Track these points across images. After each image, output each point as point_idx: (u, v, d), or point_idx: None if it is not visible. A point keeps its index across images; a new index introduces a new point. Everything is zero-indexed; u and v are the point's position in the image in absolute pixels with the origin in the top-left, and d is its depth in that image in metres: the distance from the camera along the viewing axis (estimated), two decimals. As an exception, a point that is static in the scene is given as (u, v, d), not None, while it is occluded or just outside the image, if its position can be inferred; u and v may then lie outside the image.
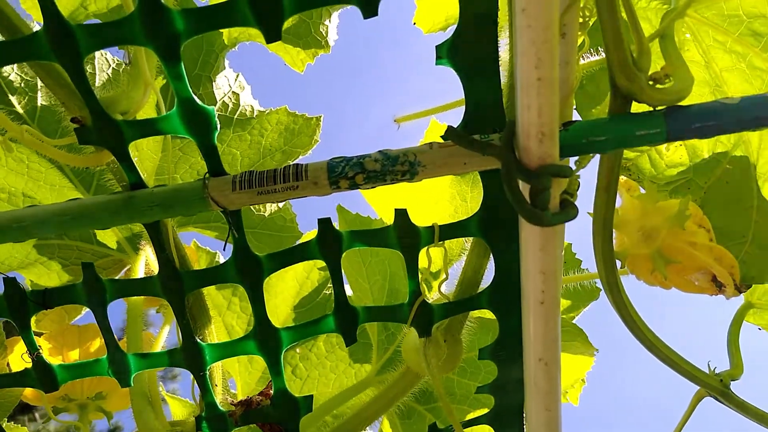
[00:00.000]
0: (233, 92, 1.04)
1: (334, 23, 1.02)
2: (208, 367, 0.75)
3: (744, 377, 0.95)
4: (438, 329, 0.77)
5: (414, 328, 0.74)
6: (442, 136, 0.65)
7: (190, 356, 0.74)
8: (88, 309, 0.74)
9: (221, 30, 1.00)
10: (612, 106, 0.60)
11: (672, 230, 0.72)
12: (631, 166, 0.83)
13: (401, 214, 0.70)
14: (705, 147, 0.82)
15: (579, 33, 0.64)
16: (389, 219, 1.16)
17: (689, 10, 0.72)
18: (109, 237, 1.04)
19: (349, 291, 1.22)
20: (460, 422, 0.81)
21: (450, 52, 0.63)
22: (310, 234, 1.19)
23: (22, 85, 0.95)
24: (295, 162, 0.64)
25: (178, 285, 0.70)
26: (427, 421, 1.12)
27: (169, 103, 0.78)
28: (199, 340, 0.73)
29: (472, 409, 1.11)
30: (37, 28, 0.96)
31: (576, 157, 0.65)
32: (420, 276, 0.74)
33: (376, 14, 0.61)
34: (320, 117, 1.05)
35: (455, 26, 0.62)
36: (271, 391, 0.77)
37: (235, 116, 1.03)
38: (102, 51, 1.04)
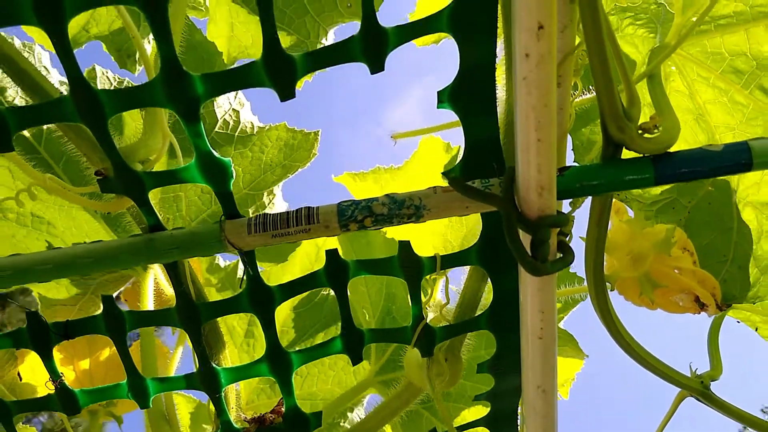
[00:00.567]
0: (233, 109, 1.07)
1: (331, 41, 1.04)
2: (223, 389, 0.79)
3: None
4: (440, 350, 0.82)
5: (417, 348, 0.79)
6: (444, 174, 0.69)
7: (207, 380, 0.78)
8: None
9: (221, 50, 1.02)
10: (604, 152, 0.64)
11: (659, 255, 0.77)
12: (619, 187, 0.87)
13: (405, 246, 0.74)
14: (689, 168, 0.87)
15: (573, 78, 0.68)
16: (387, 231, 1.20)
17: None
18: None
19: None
20: (459, 424, 0.87)
21: (451, 97, 0.67)
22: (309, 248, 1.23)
23: (48, 134, 0.97)
24: (306, 207, 0.67)
25: (194, 316, 0.74)
26: (424, 421, 1.18)
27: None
28: (214, 365, 0.78)
29: (468, 407, 1.17)
30: (53, 76, 0.98)
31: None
32: (423, 299, 0.78)
33: (382, 69, 0.64)
34: (318, 132, 1.08)
35: (456, 74, 0.66)
36: (283, 409, 0.82)
37: (236, 133, 1.06)
38: (104, 69, 1.06)
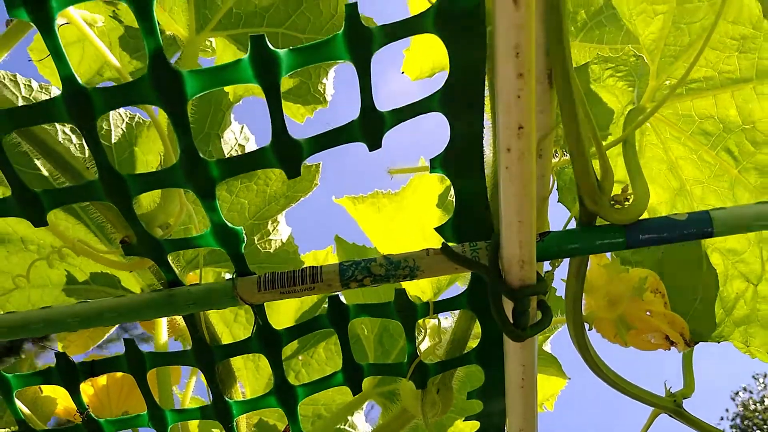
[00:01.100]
0: (239, 144, 1.13)
1: (331, 78, 1.10)
2: (235, 419, 0.87)
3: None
4: (433, 383, 0.89)
5: (412, 381, 0.87)
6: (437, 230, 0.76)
7: (220, 412, 0.86)
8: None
9: (226, 89, 1.08)
10: (581, 219, 0.71)
11: (632, 299, 0.84)
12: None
13: (400, 294, 0.81)
14: (664, 209, 0.94)
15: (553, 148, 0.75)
16: (381, 246, 1.27)
17: (649, 108, 0.82)
18: (133, 284, 1.14)
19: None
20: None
21: (442, 164, 0.73)
22: (312, 256, 1.30)
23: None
24: (310, 266, 0.74)
25: (209, 358, 0.82)
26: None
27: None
28: (227, 399, 0.85)
29: (459, 417, 1.25)
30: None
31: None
32: (417, 338, 0.86)
33: (379, 147, 0.70)
34: (319, 164, 1.14)
35: (446, 142, 0.72)
36: (290, 435, 0.90)
37: (242, 168, 1.12)
38: (121, 113, 1.12)
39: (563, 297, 0.84)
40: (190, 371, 1.22)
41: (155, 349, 1.08)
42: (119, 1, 0.57)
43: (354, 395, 0.88)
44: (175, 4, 0.94)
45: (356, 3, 0.61)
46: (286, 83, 1.07)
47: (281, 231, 1.20)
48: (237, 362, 1.47)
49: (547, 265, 0.80)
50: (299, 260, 1.23)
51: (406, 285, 1.30)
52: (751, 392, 17.16)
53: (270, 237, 1.17)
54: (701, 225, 0.70)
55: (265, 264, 1.20)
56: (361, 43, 0.63)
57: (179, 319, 1.12)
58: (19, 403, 0.87)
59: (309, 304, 1.37)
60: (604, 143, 0.76)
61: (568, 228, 0.74)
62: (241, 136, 1.13)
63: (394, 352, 1.29)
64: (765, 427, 16.44)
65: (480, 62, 0.66)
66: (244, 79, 0.62)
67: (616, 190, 0.71)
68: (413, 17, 0.64)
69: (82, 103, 0.60)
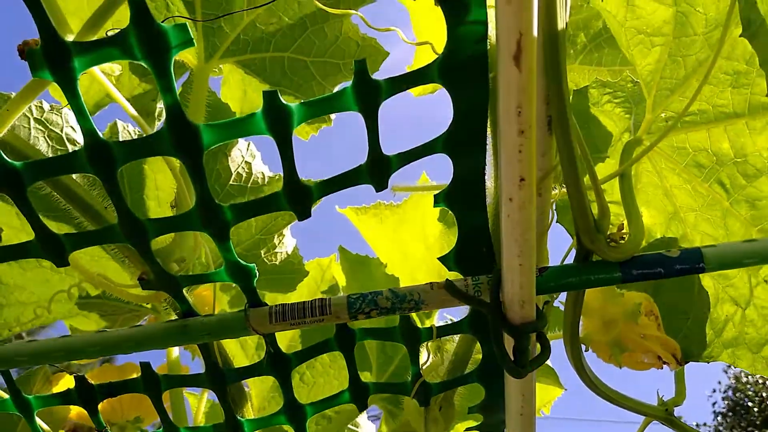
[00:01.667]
0: (246, 162, 1.15)
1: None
2: (247, 436, 0.91)
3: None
4: (435, 401, 0.93)
5: (415, 399, 0.90)
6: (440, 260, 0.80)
7: (232, 429, 0.90)
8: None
9: (234, 110, 1.11)
10: (578, 256, 0.74)
11: (627, 323, 0.88)
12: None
13: (405, 319, 0.85)
14: (659, 230, 0.97)
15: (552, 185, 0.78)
16: (385, 257, 1.31)
17: (645, 140, 0.85)
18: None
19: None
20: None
21: (446, 200, 0.76)
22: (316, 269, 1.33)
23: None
24: (320, 298, 0.77)
25: (221, 380, 0.85)
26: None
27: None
28: (239, 417, 0.89)
29: (459, 421, 1.29)
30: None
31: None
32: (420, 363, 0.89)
33: (386, 188, 0.73)
34: (322, 180, 1.16)
35: (450, 181, 0.75)
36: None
37: (249, 184, 1.15)
38: (125, 124, 1.15)
39: (561, 307, 0.88)
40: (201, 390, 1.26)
41: (167, 361, 1.12)
42: (139, 62, 0.59)
43: (359, 412, 0.92)
44: (184, 33, 0.96)
45: (365, 59, 0.64)
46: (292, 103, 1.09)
47: (287, 243, 1.23)
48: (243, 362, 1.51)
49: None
50: (304, 270, 1.26)
51: (407, 292, 1.34)
52: (743, 365, 17.32)
53: (276, 250, 1.20)
54: (693, 261, 0.73)
55: (272, 275, 1.23)
56: (370, 95, 0.66)
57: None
58: (39, 421, 0.91)
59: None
60: (600, 178, 0.79)
61: (565, 263, 0.77)
62: (247, 153, 1.16)
63: (396, 358, 1.33)
64: (756, 399, 16.68)
65: (483, 107, 0.69)
66: (257, 131, 0.65)
67: (614, 219, 0.75)
68: (419, 69, 0.66)
69: (103, 156, 0.63)
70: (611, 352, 0.89)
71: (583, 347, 0.90)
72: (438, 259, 0.82)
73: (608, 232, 0.74)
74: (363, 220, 1.27)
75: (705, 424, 16.81)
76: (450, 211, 0.83)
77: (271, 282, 1.24)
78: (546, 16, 0.61)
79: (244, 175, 1.15)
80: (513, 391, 0.75)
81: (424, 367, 0.88)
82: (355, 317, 0.77)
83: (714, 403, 17.60)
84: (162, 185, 1.10)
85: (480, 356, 0.89)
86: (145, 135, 0.74)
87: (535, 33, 0.56)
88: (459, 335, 0.97)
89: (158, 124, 1.12)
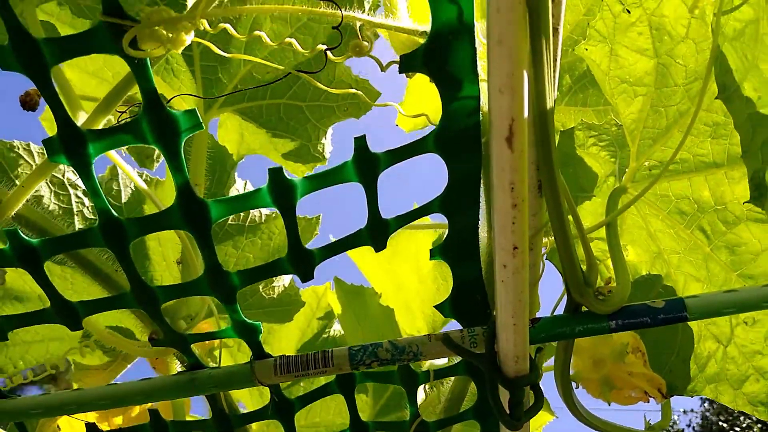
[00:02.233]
0: (243, 201, 1.18)
1: (329, 137, 1.16)
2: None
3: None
4: (433, 439, 0.97)
5: (414, 437, 0.94)
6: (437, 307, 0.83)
7: (238, 471, 0.93)
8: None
9: (231, 152, 1.13)
10: (568, 308, 0.78)
11: (615, 362, 0.92)
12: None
13: (405, 367, 0.89)
14: (644, 267, 1.01)
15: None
16: (379, 287, 1.34)
17: (630, 189, 0.89)
18: (145, 336, 1.20)
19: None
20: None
21: (441, 252, 0.80)
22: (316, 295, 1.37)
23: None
24: (322, 351, 0.80)
25: (228, 426, 0.89)
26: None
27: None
28: (244, 459, 0.93)
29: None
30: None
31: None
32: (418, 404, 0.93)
33: (384, 248, 0.77)
34: (319, 216, 1.20)
35: (445, 232, 0.79)
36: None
37: (247, 223, 1.18)
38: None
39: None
40: (203, 403, 1.29)
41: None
42: (150, 146, 0.62)
43: (360, 449, 0.95)
44: (183, 85, 0.99)
45: (365, 135, 0.67)
46: (288, 146, 1.13)
47: (283, 277, 1.26)
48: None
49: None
50: (301, 302, 1.30)
51: (401, 319, 1.38)
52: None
53: (273, 284, 1.24)
54: (677, 311, 0.77)
55: (270, 308, 1.26)
56: (369, 168, 0.69)
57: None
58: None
59: (310, 336, 1.44)
60: (586, 222, 0.83)
61: (556, 314, 0.81)
62: (244, 192, 1.19)
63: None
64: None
65: (476, 171, 0.73)
66: (263, 204, 0.68)
67: (602, 255, 0.79)
68: (415, 141, 0.70)
69: (116, 232, 0.66)
70: (601, 389, 0.93)
71: (574, 384, 0.95)
72: (435, 307, 0.85)
73: (596, 286, 0.78)
74: (358, 250, 1.30)
75: (692, 410, 17.02)
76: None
77: (270, 314, 1.27)
78: (536, 97, 0.65)
79: (242, 214, 1.18)
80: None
81: (421, 404, 0.92)
82: (357, 368, 0.80)
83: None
84: (165, 242, 1.13)
85: (476, 390, 0.93)
86: (146, 187, 0.77)
87: (526, 114, 0.59)
88: (454, 379, 1.01)
89: (157, 166, 1.14)
